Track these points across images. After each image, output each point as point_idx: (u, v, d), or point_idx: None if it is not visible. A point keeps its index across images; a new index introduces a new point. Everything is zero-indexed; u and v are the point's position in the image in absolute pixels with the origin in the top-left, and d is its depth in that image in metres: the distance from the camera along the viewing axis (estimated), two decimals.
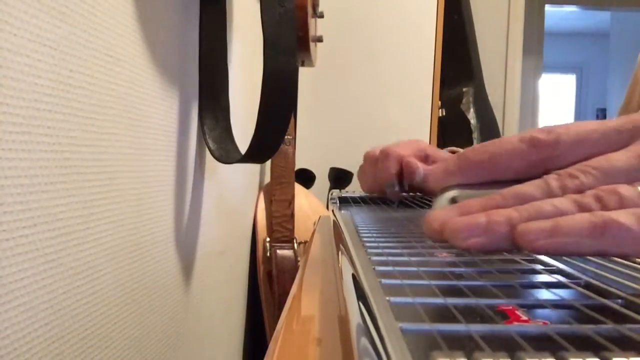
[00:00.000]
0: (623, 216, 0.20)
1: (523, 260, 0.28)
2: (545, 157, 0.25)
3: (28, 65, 0.25)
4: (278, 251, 0.94)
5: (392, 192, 0.49)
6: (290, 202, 0.96)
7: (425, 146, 0.52)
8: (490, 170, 0.26)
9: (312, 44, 0.96)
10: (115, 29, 0.34)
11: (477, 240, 0.22)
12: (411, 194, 0.55)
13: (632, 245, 0.20)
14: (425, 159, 0.51)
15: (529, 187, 0.24)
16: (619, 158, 0.24)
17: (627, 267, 0.24)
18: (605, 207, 0.22)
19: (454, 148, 0.59)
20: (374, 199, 0.59)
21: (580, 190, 0.23)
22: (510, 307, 0.20)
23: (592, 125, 0.26)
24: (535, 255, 0.28)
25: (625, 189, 0.22)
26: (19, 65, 0.24)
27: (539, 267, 0.27)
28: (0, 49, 0.23)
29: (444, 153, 0.55)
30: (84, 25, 0.30)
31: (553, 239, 0.21)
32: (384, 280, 0.23)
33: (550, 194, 0.24)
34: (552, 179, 0.24)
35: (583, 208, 0.22)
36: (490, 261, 0.28)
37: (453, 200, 0.26)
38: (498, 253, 0.23)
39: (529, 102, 2.88)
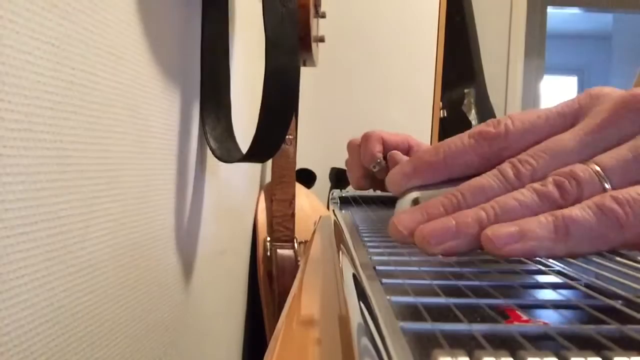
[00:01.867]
0: (582, 213, 0.21)
1: (523, 261, 0.28)
2: (497, 149, 0.26)
3: (30, 62, 0.25)
4: (278, 251, 0.94)
5: (379, 171, 0.48)
6: (291, 201, 0.96)
7: (408, 136, 0.51)
8: (446, 169, 0.27)
9: (314, 44, 0.96)
10: (118, 27, 0.34)
11: (449, 244, 0.22)
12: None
13: (594, 244, 0.21)
14: (409, 149, 0.51)
15: (485, 179, 0.25)
16: (565, 138, 0.25)
17: (629, 267, 0.24)
18: (565, 194, 0.23)
19: None
20: (375, 199, 0.59)
21: (533, 175, 0.24)
22: (511, 307, 0.20)
23: (537, 112, 0.27)
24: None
25: (581, 170, 0.23)
26: (21, 62, 0.24)
27: (539, 267, 0.27)
28: (3, 46, 0.23)
29: (427, 146, 0.54)
30: (86, 22, 0.30)
31: (520, 244, 0.21)
32: (384, 280, 0.23)
33: (506, 182, 0.24)
34: (506, 167, 0.25)
35: (545, 198, 0.23)
36: (491, 262, 0.28)
37: (415, 202, 0.27)
38: (472, 254, 0.23)
39: (531, 104, 2.87)
